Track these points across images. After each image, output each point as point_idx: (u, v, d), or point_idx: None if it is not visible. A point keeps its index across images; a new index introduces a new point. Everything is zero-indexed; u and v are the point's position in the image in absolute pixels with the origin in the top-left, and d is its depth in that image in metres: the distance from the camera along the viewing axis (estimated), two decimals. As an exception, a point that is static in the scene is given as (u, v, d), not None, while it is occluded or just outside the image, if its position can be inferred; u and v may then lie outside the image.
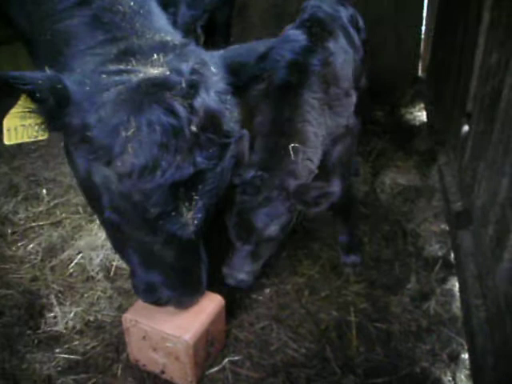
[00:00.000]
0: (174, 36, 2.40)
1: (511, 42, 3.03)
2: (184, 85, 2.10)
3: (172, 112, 2.05)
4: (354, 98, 3.47)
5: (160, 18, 2.49)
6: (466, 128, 4.19)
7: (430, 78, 6.62)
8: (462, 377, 2.93)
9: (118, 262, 3.69)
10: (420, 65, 7.22)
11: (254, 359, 3.01)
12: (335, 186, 3.12)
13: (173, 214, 2.19)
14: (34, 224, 4.17)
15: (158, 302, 2.70)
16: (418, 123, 6.11)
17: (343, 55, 3.42)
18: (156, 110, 2.03)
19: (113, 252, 3.76)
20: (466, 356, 3.04)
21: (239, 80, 2.35)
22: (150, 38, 2.29)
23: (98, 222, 4.08)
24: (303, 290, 3.51)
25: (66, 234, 4.04)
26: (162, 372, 2.87)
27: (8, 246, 3.93)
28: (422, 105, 6.53)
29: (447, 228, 4.13)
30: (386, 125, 5.92)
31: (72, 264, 3.71)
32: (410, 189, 4.66)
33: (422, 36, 7.07)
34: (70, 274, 3.64)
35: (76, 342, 3.13)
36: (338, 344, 3.13)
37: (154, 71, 2.12)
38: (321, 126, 3.18)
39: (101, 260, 3.71)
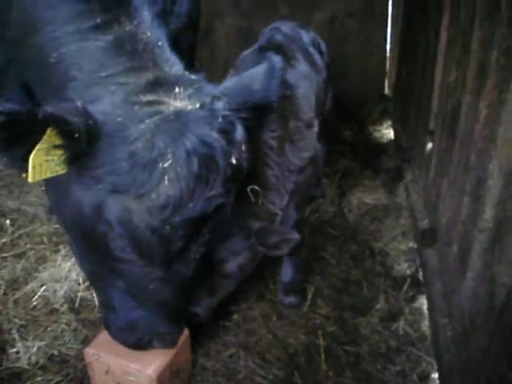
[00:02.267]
0: (182, 69, 2.35)
1: (467, 60, 3.06)
2: (221, 119, 2.11)
3: (211, 144, 2.04)
4: (316, 128, 3.41)
5: (169, 51, 2.41)
6: (430, 146, 4.23)
7: (396, 95, 6.70)
8: (433, 397, 2.91)
9: (82, 293, 3.62)
10: (386, 83, 7.31)
11: (221, 388, 2.96)
12: (296, 233, 3.01)
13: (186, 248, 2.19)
14: (-3, 256, 4.08)
15: (138, 344, 2.62)
16: (385, 141, 6.16)
17: (304, 83, 3.35)
18: (195, 141, 2.01)
19: (77, 283, 3.70)
20: (435, 375, 3.02)
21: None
22: (168, 70, 2.25)
23: (62, 252, 4.02)
24: (271, 316, 3.46)
25: (29, 265, 3.94)
26: (127, 406, 2.80)
27: (-30, 279, 3.83)
28: (390, 122, 6.58)
29: (415, 246, 4.14)
30: (353, 143, 5.94)
31: (36, 296, 3.61)
32: (377, 208, 4.67)
33: (388, 54, 7.17)
34: (34, 307, 3.54)
35: (39, 378, 3.02)
36: (307, 369, 3.08)
37: (181, 104, 2.12)
38: (282, 167, 3.08)
39: (65, 292, 3.62)
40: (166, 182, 1.98)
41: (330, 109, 4.31)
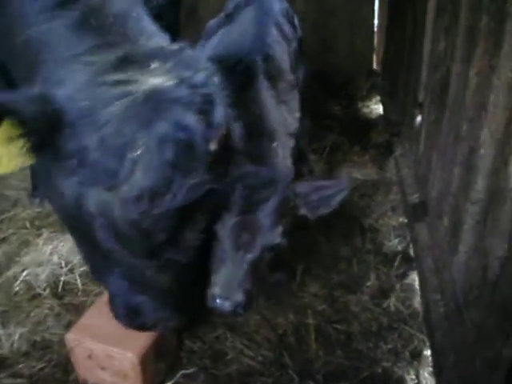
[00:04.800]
0: (165, 40, 2.18)
1: (456, 28, 2.97)
2: (198, 99, 1.91)
3: (186, 129, 1.84)
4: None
5: (148, 21, 2.22)
6: (419, 118, 4.15)
7: (385, 70, 6.61)
8: (426, 374, 2.85)
9: (65, 277, 3.52)
10: (374, 57, 7.21)
11: (208, 370, 2.88)
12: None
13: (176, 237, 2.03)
14: (-22, 242, 3.97)
15: (143, 327, 2.51)
16: (374, 116, 6.08)
17: (279, 47, 3.27)
18: (168, 126, 1.81)
19: (60, 267, 3.60)
20: (428, 353, 2.96)
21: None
22: (144, 44, 2.06)
23: (44, 236, 3.93)
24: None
25: (11, 250, 3.84)
26: (112, 391, 2.73)
27: (-49, 266, 3.72)
28: (378, 98, 6.50)
29: (406, 221, 4.06)
30: (341, 119, 5.84)
31: (18, 282, 3.51)
32: (366, 183, 4.58)
33: (375, 29, 7.07)
34: (16, 293, 3.44)
35: (22, 365, 2.94)
36: (297, 349, 3.01)
37: (156, 81, 1.91)
38: (286, 124, 3.01)
39: (47, 276, 3.52)
40: (138, 172, 1.80)
41: (304, 83, 4.17)
